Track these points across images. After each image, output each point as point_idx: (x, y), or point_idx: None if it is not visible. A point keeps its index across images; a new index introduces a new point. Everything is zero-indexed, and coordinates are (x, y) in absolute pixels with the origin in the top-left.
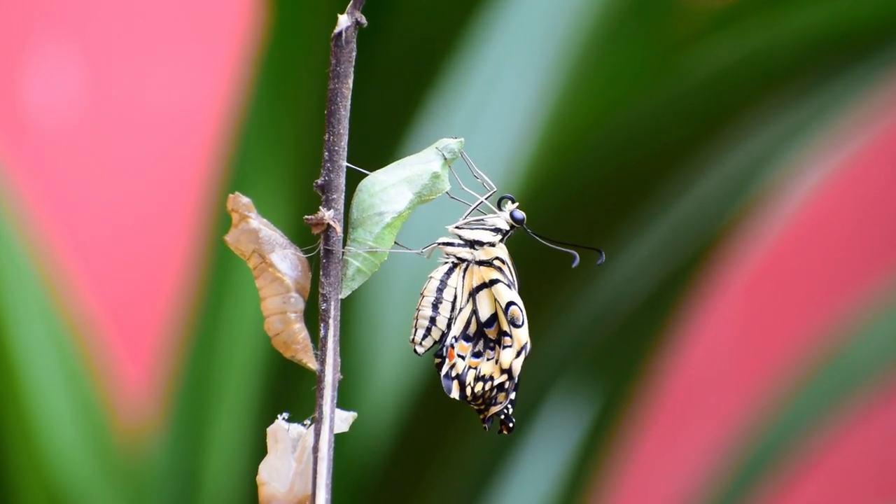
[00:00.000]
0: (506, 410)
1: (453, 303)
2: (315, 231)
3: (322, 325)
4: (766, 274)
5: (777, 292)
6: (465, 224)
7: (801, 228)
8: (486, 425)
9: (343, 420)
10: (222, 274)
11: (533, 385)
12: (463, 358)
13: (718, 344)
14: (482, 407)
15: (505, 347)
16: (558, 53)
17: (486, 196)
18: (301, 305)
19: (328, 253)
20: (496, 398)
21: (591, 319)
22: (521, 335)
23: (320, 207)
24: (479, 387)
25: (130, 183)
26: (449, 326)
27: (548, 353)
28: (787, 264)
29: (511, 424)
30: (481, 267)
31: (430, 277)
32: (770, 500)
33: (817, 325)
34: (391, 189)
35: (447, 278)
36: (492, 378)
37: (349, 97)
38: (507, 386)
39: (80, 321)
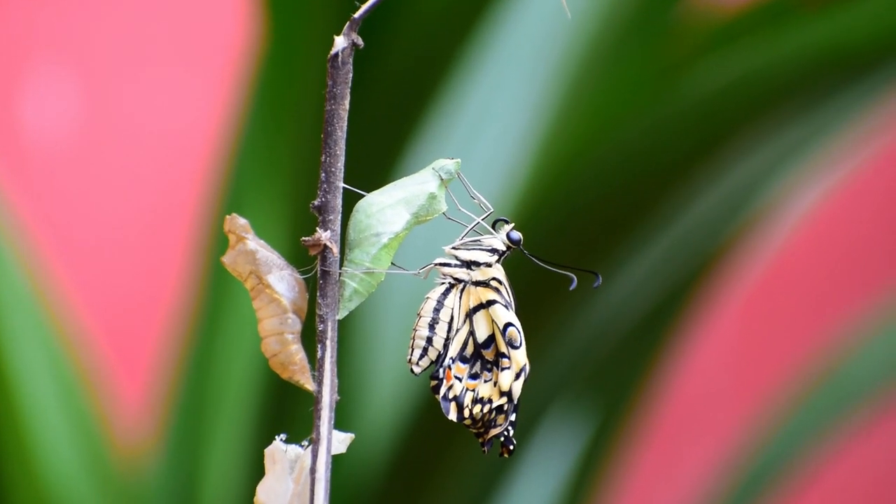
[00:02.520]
0: (506, 432)
1: (450, 323)
2: (312, 252)
3: (319, 346)
4: (763, 292)
5: (774, 310)
6: (462, 244)
7: (798, 247)
8: (485, 448)
9: (340, 441)
10: (219, 294)
11: (530, 405)
12: (460, 379)
13: (716, 362)
14: (481, 430)
15: (503, 369)
16: (555, 73)
17: (482, 217)
18: (298, 326)
19: (325, 274)
20: (495, 420)
21: (589, 338)
22: (520, 357)
23: (317, 228)
24: (476, 409)
25: (127, 203)
26: (446, 347)
27: (545, 373)
28: (784, 282)
29: (511, 447)
30: (478, 287)
31: (427, 298)
32: None
33: (814, 342)
34: (388, 210)
35: (444, 299)
36: (490, 400)
37: (346, 118)
38: (506, 408)
39: (76, 340)
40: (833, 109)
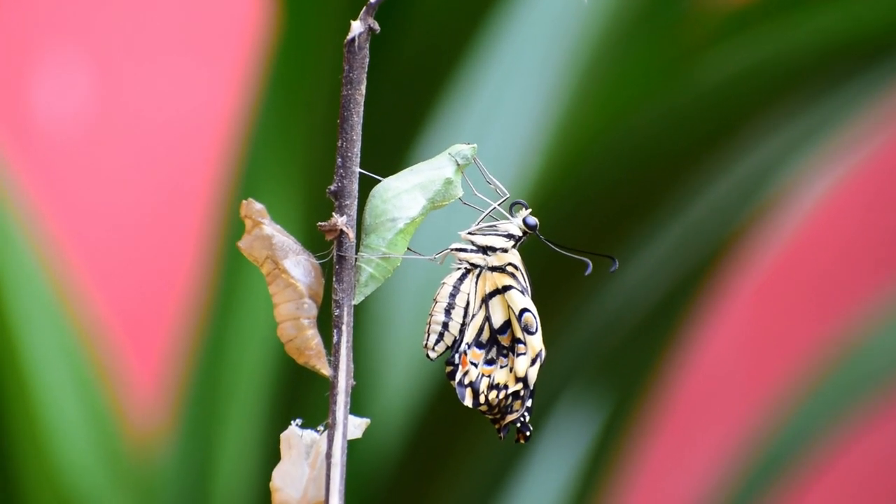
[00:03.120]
0: (522, 418)
1: (466, 308)
2: (328, 237)
3: (335, 330)
4: (775, 280)
5: (786, 298)
6: (478, 230)
7: (810, 235)
8: (501, 434)
9: (356, 426)
10: (233, 279)
11: (543, 391)
12: (476, 365)
13: (728, 350)
14: (497, 416)
15: (519, 355)
16: (568, 59)
17: (498, 202)
18: (314, 311)
19: (341, 259)
20: (511, 406)
21: (602, 325)
22: (536, 342)
23: (333, 213)
24: (492, 395)
25: (140, 188)
26: (462, 332)
27: (558, 359)
28: (796, 270)
29: (528, 433)
30: (494, 273)
31: (443, 283)
32: None
33: (826, 330)
34: (404, 195)
35: (460, 284)
36: (506, 386)
37: (362, 103)
38: (522, 394)
39: (89, 327)
40: (845, 97)
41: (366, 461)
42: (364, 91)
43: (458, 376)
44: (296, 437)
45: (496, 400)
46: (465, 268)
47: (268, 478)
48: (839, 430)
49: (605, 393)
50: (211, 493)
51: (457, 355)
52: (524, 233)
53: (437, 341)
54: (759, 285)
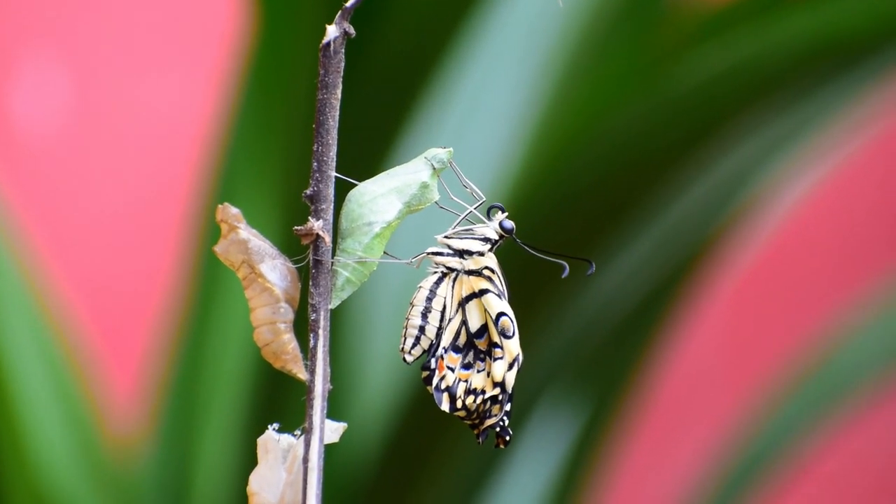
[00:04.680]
0: (501, 423)
1: (443, 312)
2: (304, 241)
3: (312, 335)
4: (755, 280)
5: (766, 298)
6: (455, 234)
7: (790, 235)
8: (480, 439)
9: (333, 430)
10: (211, 284)
11: (522, 394)
12: (452, 370)
13: (708, 350)
14: (476, 421)
15: (496, 360)
16: (546, 61)
17: (475, 206)
18: (291, 316)
19: (317, 263)
20: (490, 411)
21: (581, 327)
22: (513, 346)
23: (309, 218)
24: (469, 400)
25: (118, 194)
26: (438, 336)
27: (537, 362)
28: (776, 271)
29: (507, 437)
30: (471, 277)
31: (420, 287)
32: None
33: (807, 330)
34: (380, 199)
35: (436, 288)
36: (483, 391)
37: (337, 107)
38: (500, 399)
39: (68, 330)
40: (824, 99)
41: (343, 465)
42: (339, 95)
43: (435, 381)
44: (273, 441)
45: (474, 405)
46: (442, 271)
47: (246, 481)
48: (819, 431)
49: (586, 395)
50: (189, 496)
51: (433, 360)
52: (501, 236)
53: (414, 345)
54: (738, 287)
